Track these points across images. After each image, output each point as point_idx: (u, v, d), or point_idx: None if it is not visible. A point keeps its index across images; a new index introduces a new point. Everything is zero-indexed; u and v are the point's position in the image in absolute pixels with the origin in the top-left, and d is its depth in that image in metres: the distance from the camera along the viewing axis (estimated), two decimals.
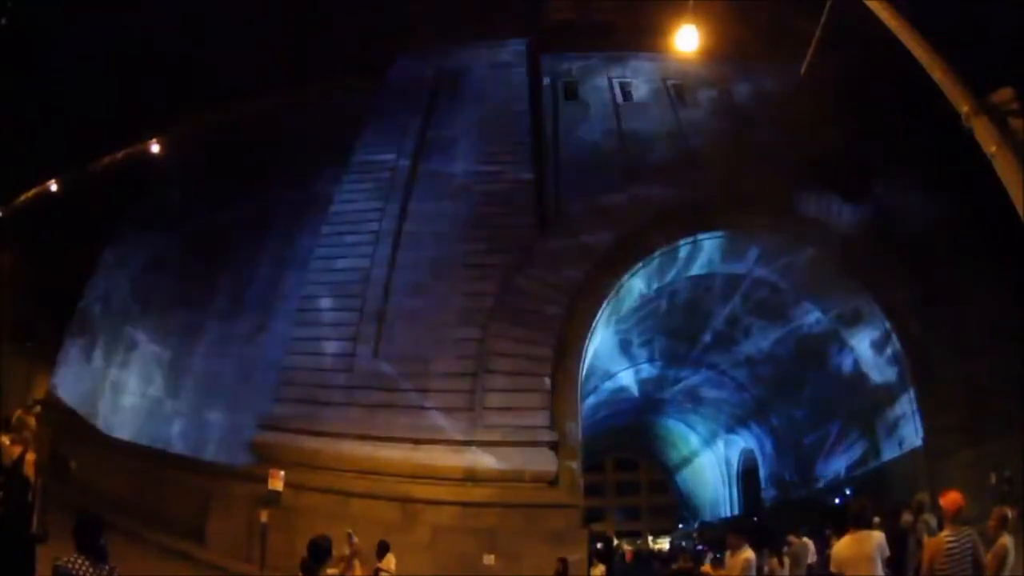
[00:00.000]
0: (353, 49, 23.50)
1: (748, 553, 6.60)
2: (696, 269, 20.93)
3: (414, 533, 15.37)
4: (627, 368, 27.01)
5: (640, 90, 23.48)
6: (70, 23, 22.00)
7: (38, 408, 20.54)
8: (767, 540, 15.31)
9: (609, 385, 27.15)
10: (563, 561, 13.69)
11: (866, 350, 19.91)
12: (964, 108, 7.04)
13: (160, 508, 17.07)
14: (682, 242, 19.54)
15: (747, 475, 30.26)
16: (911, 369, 17.99)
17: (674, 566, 25.45)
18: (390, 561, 12.16)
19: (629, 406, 31.51)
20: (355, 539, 11.96)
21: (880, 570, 5.66)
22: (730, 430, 30.58)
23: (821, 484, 22.73)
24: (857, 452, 21.06)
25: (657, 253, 19.38)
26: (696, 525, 35.28)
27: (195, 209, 25.12)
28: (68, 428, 21.22)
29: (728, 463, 32.12)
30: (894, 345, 18.55)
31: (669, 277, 20.90)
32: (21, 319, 24.94)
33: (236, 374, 20.84)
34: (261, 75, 23.71)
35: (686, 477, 38.72)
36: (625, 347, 25.01)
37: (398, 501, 15.75)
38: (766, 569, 13.74)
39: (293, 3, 23.54)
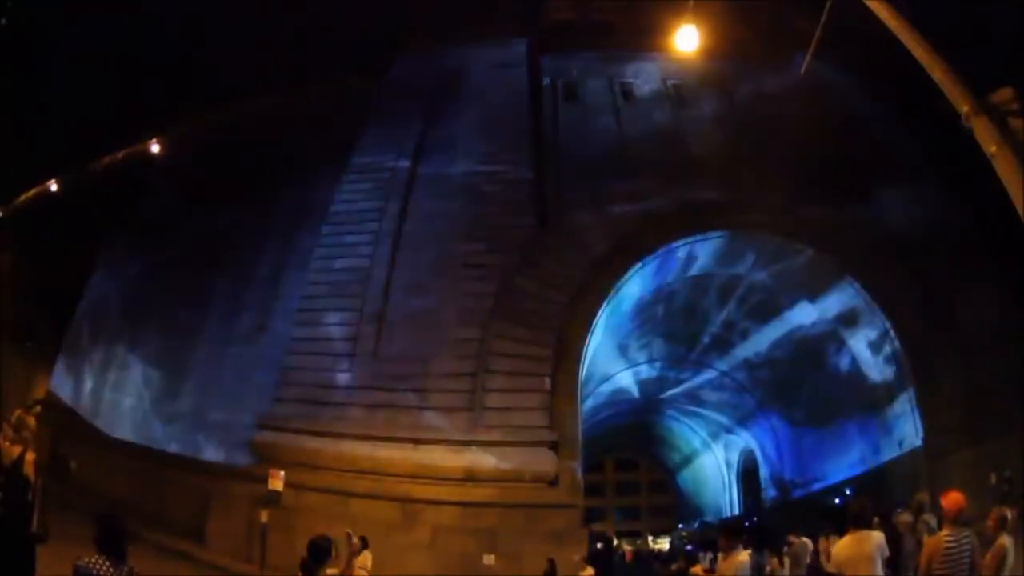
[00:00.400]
0: (353, 49, 23.50)
1: (742, 556, 6.24)
2: (694, 270, 20.95)
3: (414, 533, 15.38)
4: (626, 369, 27.01)
5: (640, 90, 23.49)
6: (70, 23, 21.99)
7: (38, 408, 20.53)
8: (767, 540, 15.31)
9: (609, 386, 27.14)
10: (551, 562, 13.72)
11: (866, 350, 19.91)
12: (964, 108, 7.04)
13: (160, 508, 17.07)
14: (681, 242, 19.54)
15: (747, 475, 30.25)
16: (911, 369, 17.99)
17: (673, 566, 25.48)
18: (366, 558, 12.11)
19: (629, 406, 31.51)
20: (355, 539, 11.95)
21: (880, 570, 5.66)
22: (730, 430, 30.58)
23: (821, 484, 22.72)
24: (857, 452, 21.05)
25: (656, 253, 19.38)
26: (696, 525, 35.25)
27: (195, 209, 25.10)
28: (68, 428, 21.21)
29: (728, 463, 32.12)
30: (894, 345, 18.55)
31: (667, 278, 20.92)
32: (21, 319, 24.92)
33: (236, 374, 20.84)
34: (261, 75, 23.70)
35: (686, 477, 38.71)
36: (624, 349, 25.01)
37: (398, 501, 15.76)
38: (767, 569, 13.71)
39: (293, 3, 23.54)
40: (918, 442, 17.53)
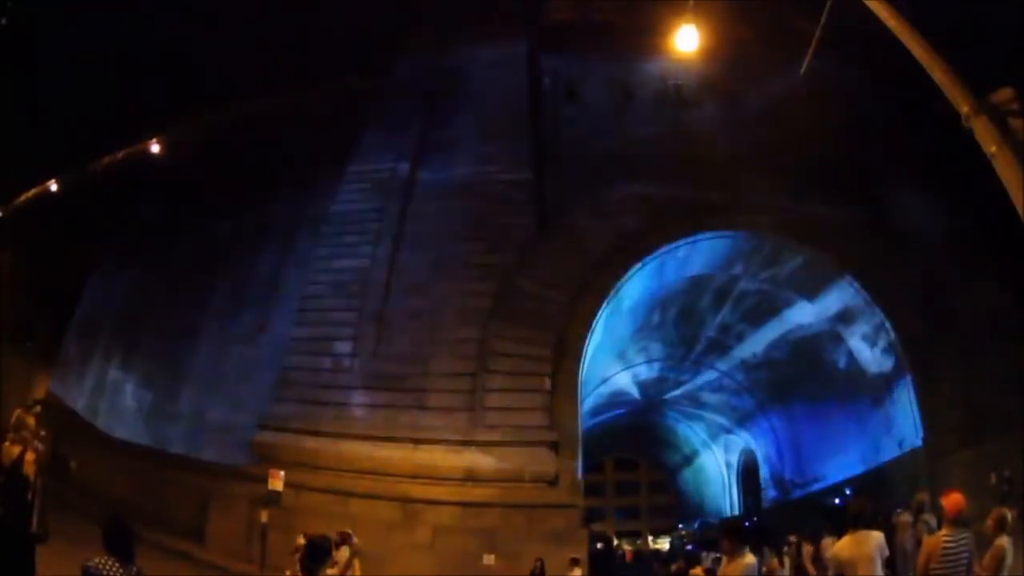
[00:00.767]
0: (353, 49, 23.49)
1: (748, 559, 5.80)
2: (694, 270, 20.96)
3: (414, 533, 15.38)
4: (625, 369, 27.02)
5: (640, 90, 23.46)
6: (70, 23, 21.98)
7: (38, 408, 20.54)
8: (767, 540, 15.31)
9: (608, 386, 27.14)
10: (540, 561, 13.77)
11: (866, 350, 19.90)
12: (964, 108, 7.04)
13: (160, 508, 17.07)
14: (681, 242, 19.54)
15: (747, 475, 30.25)
16: (911, 369, 17.98)
17: (673, 566, 25.48)
18: (344, 553, 12.11)
19: (629, 407, 31.52)
20: (355, 539, 11.95)
21: (880, 570, 5.65)
22: (730, 430, 30.58)
23: (821, 484, 22.72)
24: (857, 452, 21.05)
25: (656, 253, 19.38)
26: (697, 525, 35.25)
27: (195, 209, 25.13)
28: (68, 428, 21.22)
29: (728, 463, 32.12)
30: (894, 345, 18.54)
31: (667, 279, 20.93)
32: (21, 319, 24.93)
33: (236, 374, 20.85)
34: (261, 75, 23.70)
35: (686, 477, 38.72)
36: (623, 350, 25.01)
37: (398, 501, 15.76)
38: (763, 569, 13.72)
39: (293, 3, 23.52)
40: (918, 442, 17.52)
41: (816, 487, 23.08)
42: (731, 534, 6.12)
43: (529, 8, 24.45)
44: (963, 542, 5.82)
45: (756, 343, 24.20)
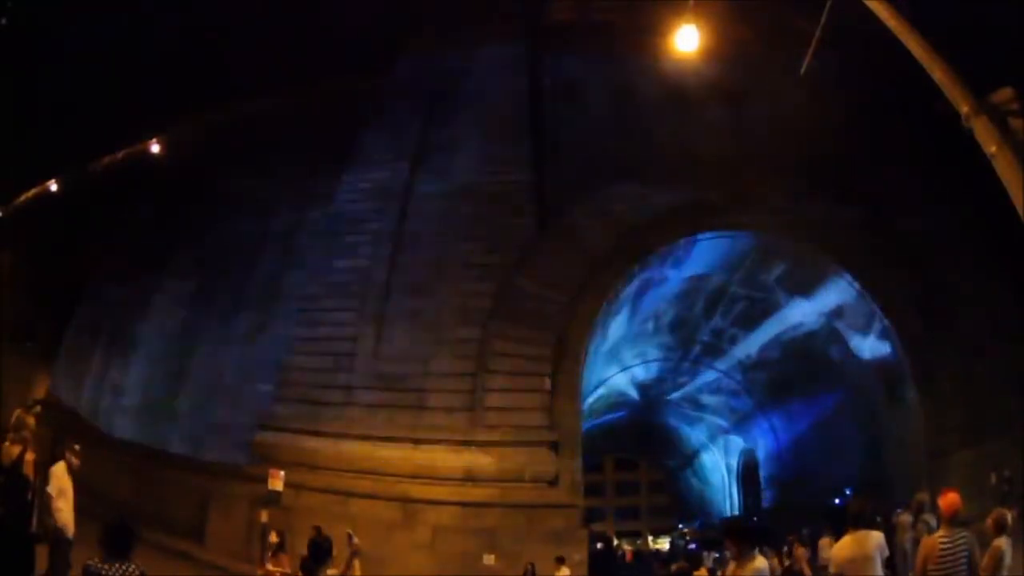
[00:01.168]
0: (353, 49, 23.47)
1: (758, 562, 5.38)
2: (694, 270, 20.95)
3: (414, 533, 15.39)
4: (625, 370, 27.02)
5: (640, 90, 23.44)
6: (70, 23, 21.97)
7: (38, 408, 20.54)
8: (767, 540, 15.30)
9: (608, 386, 27.14)
10: (531, 564, 13.81)
11: (865, 350, 19.91)
12: (964, 108, 7.04)
13: (160, 508, 17.07)
14: (681, 242, 19.54)
15: (747, 475, 30.26)
16: (911, 369, 17.97)
17: (672, 567, 25.47)
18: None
19: (629, 407, 31.52)
20: (355, 539, 11.96)
21: (880, 570, 5.65)
22: (730, 430, 30.58)
23: (821, 484, 22.71)
24: (857, 451, 21.05)
25: (656, 253, 19.38)
26: (697, 526, 35.28)
27: (195, 209, 25.12)
28: (68, 428, 21.21)
29: (728, 463, 32.13)
30: (893, 344, 18.54)
31: (667, 279, 20.93)
32: (21, 319, 24.92)
33: (236, 374, 20.84)
34: (261, 75, 23.69)
35: (686, 477, 38.72)
36: (623, 350, 25.02)
37: (398, 501, 15.77)
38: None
39: (293, 3, 23.51)
40: (918, 442, 17.52)
41: (816, 487, 23.07)
42: (739, 536, 5.74)
43: (529, 8, 24.43)
44: (961, 542, 5.82)
45: (755, 343, 24.20)
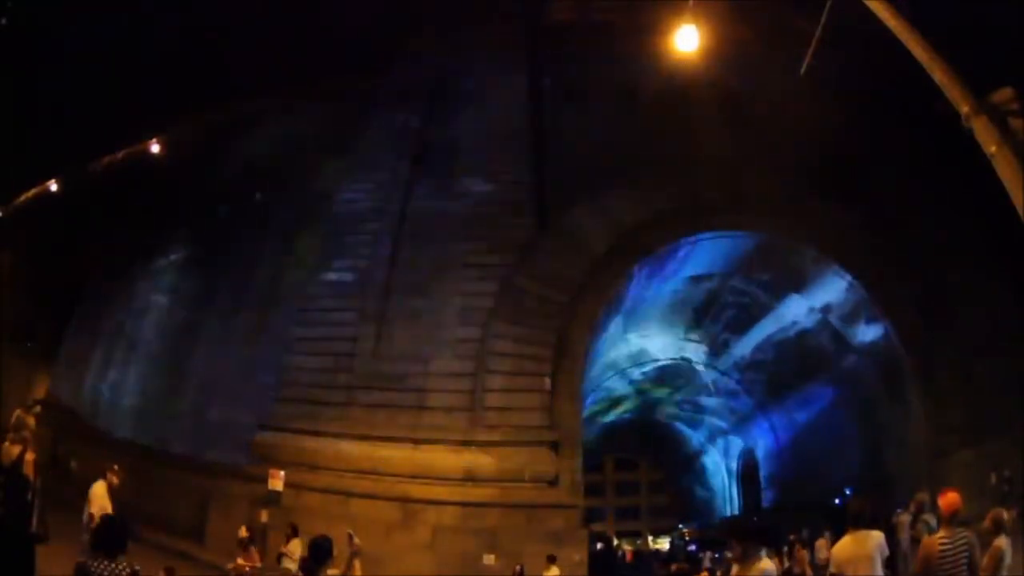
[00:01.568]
0: (353, 49, 23.47)
1: (764, 564, 5.05)
2: (694, 270, 20.95)
3: (414, 533, 15.39)
4: (625, 369, 27.01)
5: (640, 90, 23.44)
6: (70, 23, 21.96)
7: (38, 408, 20.55)
8: (767, 540, 15.27)
9: (609, 386, 27.14)
10: (520, 566, 13.88)
11: (866, 350, 19.90)
12: (964, 108, 7.04)
13: (160, 508, 17.07)
14: (681, 242, 19.55)
15: (747, 475, 30.26)
16: (911, 369, 17.98)
17: (672, 567, 25.48)
18: (296, 546, 12.13)
19: (629, 406, 31.52)
20: (355, 539, 11.95)
21: (880, 570, 5.65)
22: (730, 431, 30.57)
23: (821, 484, 22.71)
24: (857, 452, 21.05)
25: (656, 253, 19.38)
26: (696, 526, 35.27)
27: (195, 209, 25.12)
28: (68, 428, 21.22)
29: (728, 463, 32.12)
30: (894, 345, 18.54)
31: (666, 278, 20.91)
32: (21, 319, 24.92)
33: (236, 374, 20.83)
34: (261, 75, 23.68)
35: (686, 477, 38.73)
36: (623, 349, 25.00)
37: (398, 501, 15.77)
38: None
39: (293, 3, 23.50)
40: (918, 442, 17.53)
41: (816, 487, 23.07)
42: (745, 536, 5.35)
43: (529, 8, 24.44)
44: (961, 542, 5.81)
45: (754, 343, 24.20)
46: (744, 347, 24.85)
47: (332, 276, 19.89)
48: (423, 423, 16.93)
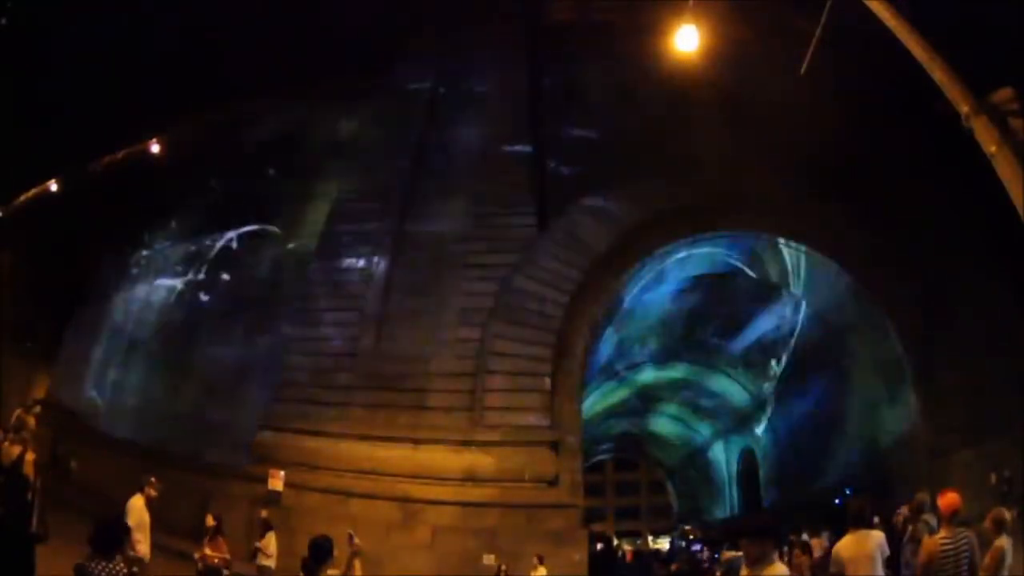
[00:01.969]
0: (353, 49, 23.48)
1: (779, 569, 4.44)
2: (694, 270, 20.95)
3: (414, 533, 15.38)
4: (625, 369, 27.01)
5: (640, 90, 23.44)
6: (70, 23, 21.97)
7: (38, 408, 20.52)
8: (780, 541, 15.25)
9: (608, 385, 27.14)
10: (502, 566, 13.91)
11: (866, 350, 19.90)
12: (964, 108, 7.04)
13: (160, 508, 17.02)
14: (682, 242, 19.55)
15: (747, 475, 30.24)
16: (911, 369, 17.98)
17: (673, 566, 25.51)
18: (270, 540, 12.12)
19: (629, 406, 31.51)
20: (356, 539, 11.94)
21: (880, 570, 5.65)
22: (730, 430, 30.57)
23: (821, 484, 22.72)
24: (857, 452, 21.04)
25: (656, 253, 19.39)
26: (696, 526, 35.27)
27: (195, 209, 25.12)
28: (68, 428, 21.20)
29: (728, 463, 32.11)
30: (894, 345, 18.54)
31: (667, 278, 20.92)
32: (21, 319, 24.89)
33: (236, 374, 20.83)
34: (261, 75, 23.68)
35: (686, 477, 38.72)
36: (623, 349, 25.00)
37: (398, 501, 15.76)
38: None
39: (293, 3, 23.51)
40: (918, 442, 17.52)
41: (816, 487, 23.07)
42: (758, 536, 4.64)
43: (529, 8, 24.45)
44: (962, 542, 5.81)
45: (757, 343, 24.19)
46: (745, 348, 24.86)
47: (332, 276, 19.89)
48: (423, 423, 16.92)
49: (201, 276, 23.86)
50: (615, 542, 36.86)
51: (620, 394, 28.99)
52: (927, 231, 18.77)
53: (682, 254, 20.07)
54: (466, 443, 16.56)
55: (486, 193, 20.36)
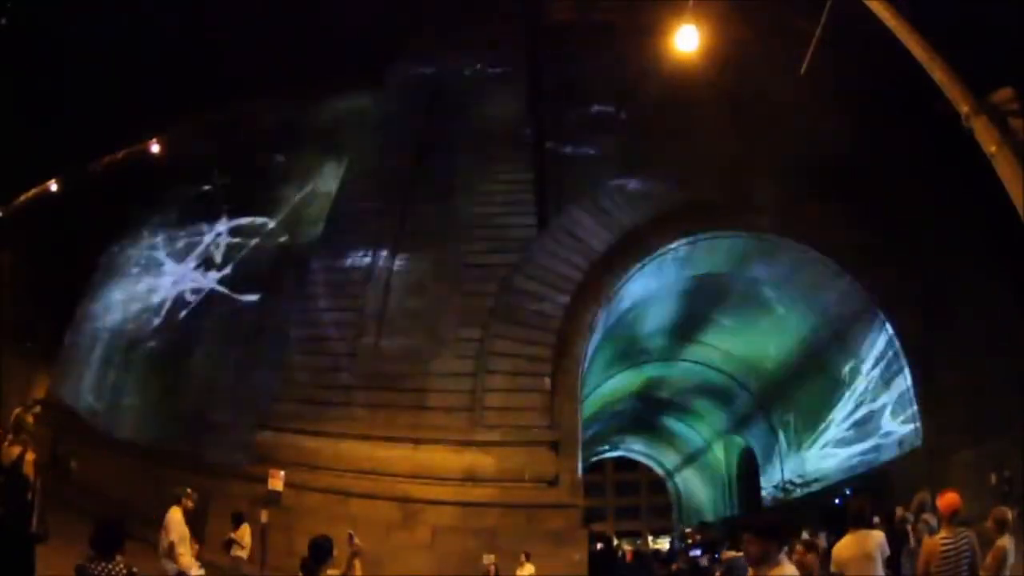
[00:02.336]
0: (353, 50, 23.48)
1: (788, 569, 4.14)
2: (695, 270, 20.95)
3: (414, 533, 15.38)
4: (625, 368, 27.01)
5: (640, 90, 23.44)
6: (70, 23, 21.97)
7: (38, 408, 20.55)
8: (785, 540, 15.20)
9: (609, 385, 27.13)
10: (494, 566, 13.94)
11: (867, 350, 19.90)
12: (964, 108, 7.05)
13: (160, 508, 17.00)
14: (682, 242, 19.54)
15: (747, 475, 30.24)
16: (912, 369, 17.98)
17: (672, 566, 25.49)
18: (244, 532, 12.13)
19: (629, 406, 31.51)
20: (356, 539, 11.94)
21: (880, 570, 5.66)
22: (730, 430, 30.57)
23: (821, 484, 22.72)
24: (857, 452, 21.03)
25: (657, 253, 19.38)
26: (697, 526, 35.26)
27: (195, 208, 25.13)
28: (68, 428, 21.22)
29: (728, 463, 32.12)
30: (894, 345, 18.54)
31: (667, 278, 20.92)
32: (21, 319, 24.90)
33: (236, 374, 20.83)
34: (261, 75, 23.69)
35: (686, 477, 38.73)
36: (623, 348, 24.99)
37: (398, 501, 15.76)
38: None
39: (293, 3, 23.52)
40: (918, 442, 17.53)
41: (816, 487, 23.08)
42: (765, 535, 4.27)
43: (529, 8, 24.45)
44: (963, 542, 5.82)
45: (757, 343, 24.19)
46: (745, 348, 24.85)
47: (332, 275, 19.89)
48: (423, 423, 16.92)
49: (201, 275, 23.85)
50: (615, 542, 36.88)
51: (622, 391, 28.95)
52: (927, 231, 18.77)
53: (682, 254, 20.05)
54: (466, 443, 16.56)
55: (486, 193, 20.36)
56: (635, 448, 41.31)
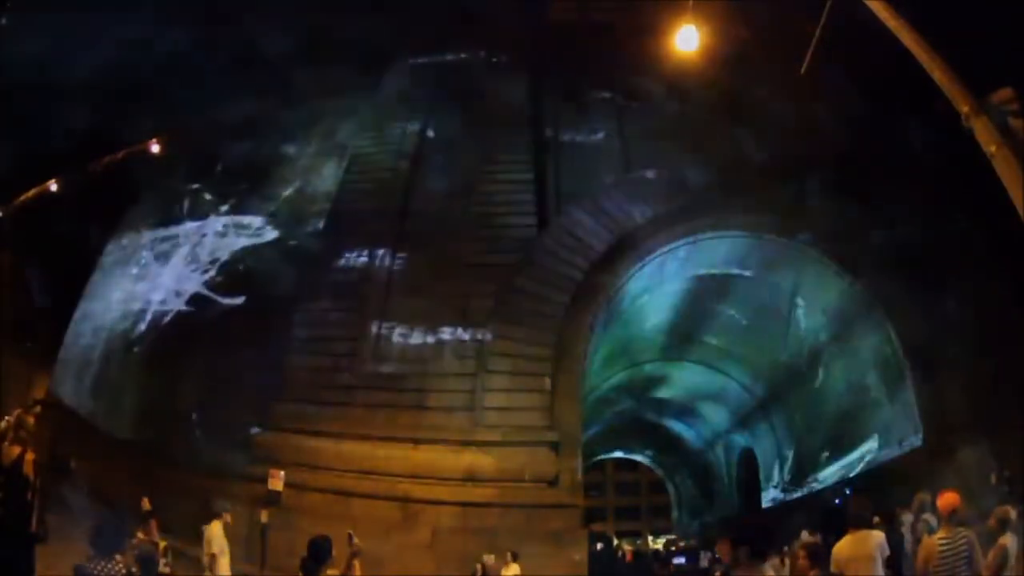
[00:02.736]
0: (353, 50, 23.48)
1: (767, 571, 4.27)
2: (694, 270, 20.94)
3: (414, 533, 15.39)
4: (625, 368, 27.01)
5: (640, 90, 23.46)
6: (70, 23, 21.96)
7: (38, 408, 20.51)
8: (770, 541, 15.24)
9: (608, 385, 27.13)
10: (480, 565, 13.95)
11: (867, 349, 19.89)
12: (964, 108, 7.04)
13: (160, 508, 17.03)
14: (682, 242, 19.55)
15: (747, 476, 30.24)
16: (911, 368, 17.98)
17: (672, 566, 25.51)
18: (216, 528, 12.10)
19: (629, 406, 31.51)
20: (355, 539, 11.94)
21: (880, 570, 5.66)
22: (730, 430, 30.57)
23: (821, 484, 22.72)
24: (857, 452, 21.03)
25: (657, 253, 19.39)
26: (697, 526, 35.28)
27: (195, 208, 25.11)
28: (68, 428, 21.19)
29: (728, 463, 32.10)
30: (894, 344, 18.54)
31: (667, 278, 20.91)
32: (21, 319, 24.89)
33: (236, 374, 20.80)
34: (261, 75, 23.68)
35: (686, 477, 38.72)
36: (623, 348, 24.99)
37: (398, 501, 15.77)
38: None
39: (292, 4, 23.51)
40: (918, 442, 17.52)
41: (816, 487, 23.07)
42: (738, 542, 4.36)
43: (530, 9, 24.45)
44: (961, 542, 5.82)
45: (757, 343, 24.17)
46: (745, 348, 24.83)
47: (332, 276, 19.90)
48: (423, 423, 16.93)
49: (201, 275, 23.82)
50: (615, 542, 36.92)
51: (622, 391, 28.94)
52: (927, 231, 18.77)
53: (682, 254, 20.05)
54: (466, 443, 16.57)
55: (486, 193, 20.36)
56: (635, 448, 41.30)
